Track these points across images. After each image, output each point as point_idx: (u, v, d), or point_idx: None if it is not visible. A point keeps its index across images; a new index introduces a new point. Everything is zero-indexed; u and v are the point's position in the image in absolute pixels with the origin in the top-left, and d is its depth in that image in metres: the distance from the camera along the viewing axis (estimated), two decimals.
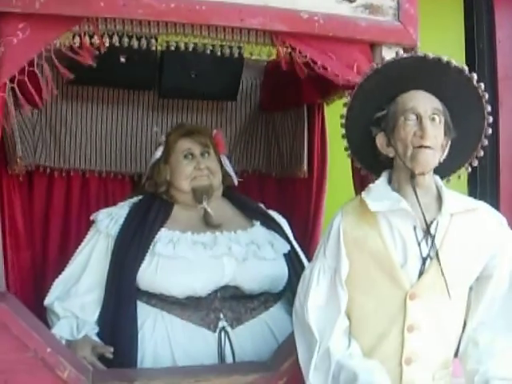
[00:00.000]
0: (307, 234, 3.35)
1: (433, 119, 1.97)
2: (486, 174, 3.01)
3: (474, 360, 2.03)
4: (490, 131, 2.13)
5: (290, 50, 2.41)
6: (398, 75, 2.01)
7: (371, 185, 2.10)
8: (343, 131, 2.18)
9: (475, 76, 2.04)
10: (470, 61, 3.07)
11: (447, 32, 3.77)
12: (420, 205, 1.97)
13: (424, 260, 1.96)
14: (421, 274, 1.96)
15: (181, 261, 2.61)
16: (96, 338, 2.55)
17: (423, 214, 1.97)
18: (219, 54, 2.55)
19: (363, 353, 2.00)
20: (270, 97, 3.58)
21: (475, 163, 2.19)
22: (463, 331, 2.08)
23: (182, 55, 3.07)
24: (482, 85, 2.06)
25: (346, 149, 2.23)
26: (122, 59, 3.05)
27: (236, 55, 2.63)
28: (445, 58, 2.00)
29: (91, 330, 2.57)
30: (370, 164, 2.21)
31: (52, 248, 3.38)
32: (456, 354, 2.09)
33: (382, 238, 1.98)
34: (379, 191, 2.05)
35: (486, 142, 2.14)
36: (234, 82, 3.45)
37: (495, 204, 2.87)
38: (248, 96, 3.64)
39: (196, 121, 3.56)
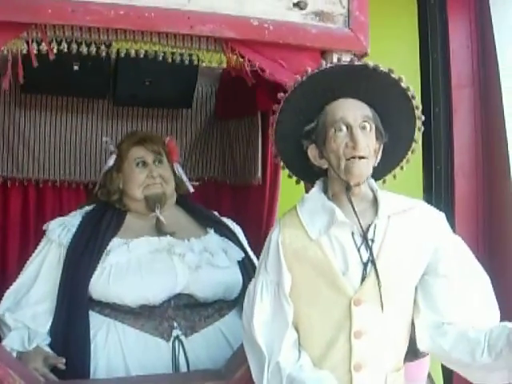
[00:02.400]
0: (260, 241, 3.32)
1: (363, 127, 1.96)
2: (441, 181, 3.03)
3: (452, 338, 1.97)
4: (422, 129, 2.12)
5: (239, 57, 2.41)
6: (325, 85, 1.99)
7: (306, 195, 2.09)
8: (273, 145, 2.14)
9: (403, 78, 2.02)
10: (424, 70, 3.09)
11: (401, 42, 3.80)
12: (356, 214, 1.96)
13: (365, 265, 1.96)
14: (363, 279, 1.96)
15: (133, 269, 2.59)
16: (48, 349, 2.51)
17: (359, 221, 1.96)
18: (170, 60, 2.54)
19: (313, 363, 1.99)
20: (225, 104, 3.59)
21: (409, 161, 2.18)
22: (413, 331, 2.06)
23: (136, 63, 3.07)
24: (411, 87, 2.04)
25: (275, 156, 2.18)
26: (76, 67, 3.05)
27: (187, 62, 2.64)
28: (371, 64, 1.99)
29: (43, 340, 2.53)
30: (306, 174, 2.17)
31: (11, 259, 3.34)
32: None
33: (321, 247, 1.97)
34: (313, 201, 2.04)
35: (420, 141, 2.15)
36: (189, 90, 3.46)
37: (450, 211, 2.90)
38: (203, 103, 3.65)
39: (151, 128, 3.55)
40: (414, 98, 2.06)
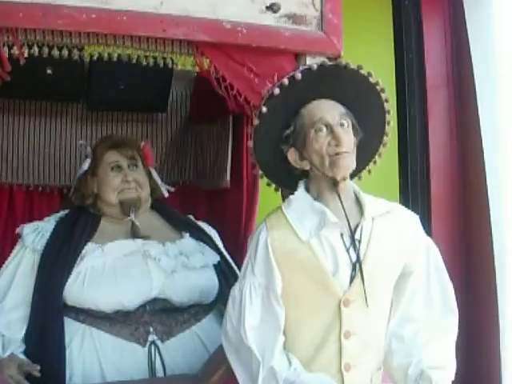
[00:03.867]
0: (239, 244, 3.32)
1: (341, 124, 1.98)
2: (417, 182, 3.04)
3: (401, 354, 2.04)
4: (391, 123, 2.16)
5: (208, 61, 2.42)
6: (298, 89, 2.00)
7: (291, 196, 2.08)
8: (251, 152, 2.14)
9: (372, 73, 2.05)
10: (399, 70, 3.10)
11: (376, 43, 3.81)
12: (345, 212, 1.98)
13: (354, 266, 1.97)
14: (351, 280, 1.97)
15: (108, 273, 2.57)
16: (23, 356, 2.47)
17: (348, 220, 1.98)
18: (144, 64, 2.53)
19: (302, 364, 1.98)
20: (199, 107, 3.58)
21: (381, 156, 2.21)
22: None
23: (110, 67, 3.03)
24: (380, 81, 2.07)
25: (253, 165, 2.20)
26: (49, 71, 3.03)
27: (161, 65, 2.63)
28: (341, 62, 2.03)
29: (17, 348, 2.49)
30: (285, 180, 2.18)
31: None
32: None
33: (311, 249, 1.97)
34: (300, 202, 2.04)
35: (386, 139, 2.18)
36: (164, 94, 3.45)
37: (426, 211, 2.92)
38: (178, 107, 3.64)
39: (126, 132, 3.53)
40: (383, 91, 2.10)
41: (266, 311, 1.99)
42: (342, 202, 1.99)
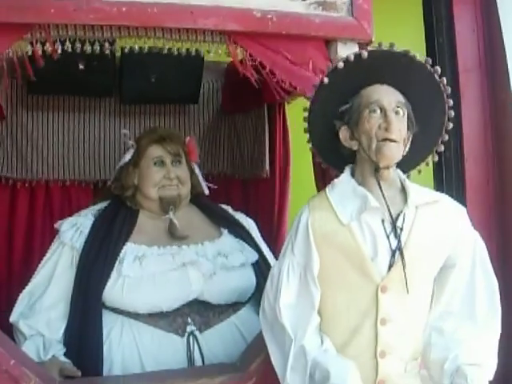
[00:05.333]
0: (272, 234, 3.33)
1: (397, 112, 1.98)
2: (452, 168, 3.02)
3: (440, 348, 2.02)
4: (450, 126, 2.14)
5: (242, 50, 2.41)
6: (363, 69, 2.01)
7: (335, 180, 2.10)
8: (305, 125, 2.17)
9: (438, 70, 2.05)
10: (430, 55, 3.07)
11: (407, 27, 3.78)
12: (385, 198, 1.98)
13: (393, 252, 1.97)
14: (390, 266, 1.96)
15: (147, 279, 2.56)
16: (63, 359, 2.48)
17: (388, 207, 1.98)
18: (175, 56, 2.53)
19: (336, 349, 1.99)
20: (231, 98, 3.57)
21: (435, 158, 2.20)
22: None
23: (142, 60, 3.08)
24: (444, 79, 2.07)
25: (308, 141, 2.22)
26: (81, 66, 3.04)
27: (194, 57, 2.63)
28: (410, 53, 2.01)
29: (58, 350, 2.51)
30: (332, 159, 2.20)
31: (16, 260, 3.33)
32: None
33: (351, 232, 1.98)
34: (344, 186, 2.05)
35: (446, 137, 2.16)
36: (195, 85, 3.45)
37: (461, 198, 2.88)
38: (210, 99, 3.64)
39: (159, 125, 3.53)
40: (446, 91, 2.09)
41: (302, 290, 2.01)
42: (381, 189, 1.99)
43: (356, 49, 2.48)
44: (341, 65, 2.03)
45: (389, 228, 1.98)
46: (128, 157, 2.86)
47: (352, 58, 2.02)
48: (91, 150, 3.48)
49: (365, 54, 2.01)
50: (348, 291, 1.99)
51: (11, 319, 2.59)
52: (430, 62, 2.04)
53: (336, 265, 1.99)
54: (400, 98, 2.01)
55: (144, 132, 3.05)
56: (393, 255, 1.97)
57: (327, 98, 2.08)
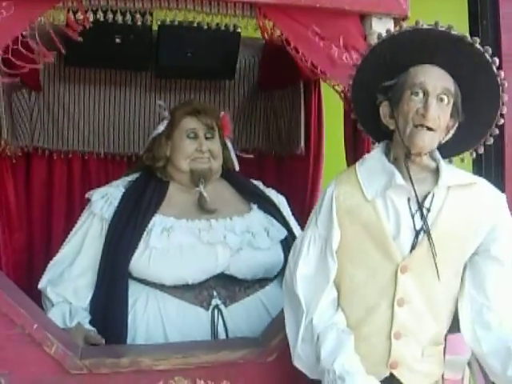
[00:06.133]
0: (304, 212, 3.30)
1: (441, 99, 1.92)
2: (491, 154, 2.95)
3: (492, 340, 1.95)
4: (501, 121, 2.06)
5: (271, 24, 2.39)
6: (415, 46, 1.96)
7: (366, 155, 2.09)
8: (349, 93, 2.17)
9: (497, 61, 1.97)
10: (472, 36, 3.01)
11: (448, 10, 3.71)
12: (412, 182, 1.94)
13: (417, 233, 1.94)
14: (413, 247, 1.94)
15: (173, 252, 2.57)
16: (89, 327, 2.52)
17: (414, 189, 1.94)
18: (212, 30, 2.54)
19: (351, 325, 1.98)
20: (268, 74, 3.54)
21: (481, 150, 2.13)
22: (457, 309, 2.03)
23: (179, 34, 3.09)
24: (502, 73, 1.99)
25: (351, 110, 2.22)
26: (118, 40, 3.06)
27: (231, 33, 2.63)
28: (468, 38, 1.94)
29: (84, 318, 2.55)
30: (373, 131, 2.18)
31: (56, 230, 3.38)
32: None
33: (375, 209, 1.96)
34: (374, 162, 2.03)
35: (496, 131, 2.08)
36: (231, 60, 3.42)
37: (500, 184, 2.82)
38: (246, 74, 3.62)
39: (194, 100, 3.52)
40: (502, 85, 2.00)
41: (320, 263, 2.00)
42: (409, 173, 1.95)
43: (391, 24, 2.44)
44: (395, 33, 2.00)
45: (414, 208, 1.95)
46: (161, 128, 2.87)
47: (406, 30, 1.99)
48: (126, 124, 3.50)
49: (420, 28, 1.96)
50: (367, 268, 1.97)
51: (39, 286, 2.64)
52: (490, 51, 1.96)
53: (357, 241, 1.97)
54: (449, 84, 1.94)
55: (179, 104, 3.06)
56: (416, 236, 1.94)
57: (374, 70, 2.05)
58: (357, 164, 2.06)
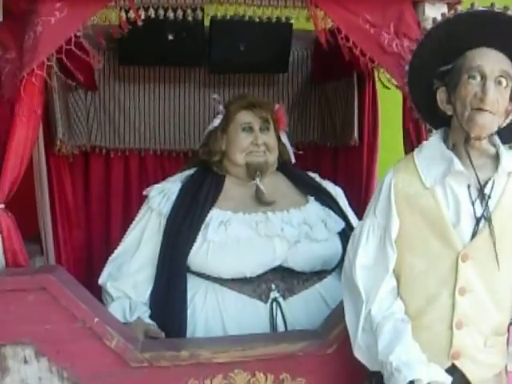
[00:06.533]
0: (360, 203, 3.28)
1: (499, 82, 1.88)
2: None
3: None
4: None
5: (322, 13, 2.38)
6: (472, 29, 1.92)
7: (424, 142, 2.07)
8: (406, 79, 2.16)
9: None
10: None
11: None
12: (473, 166, 1.91)
13: (478, 220, 1.91)
14: (474, 234, 1.91)
15: (231, 245, 2.58)
16: (148, 320, 2.56)
17: (476, 174, 1.91)
18: (265, 23, 2.53)
19: (411, 315, 1.96)
20: (322, 67, 3.53)
21: None
22: None
23: (231, 29, 3.11)
24: None
25: (409, 95, 2.20)
26: (170, 37, 3.09)
27: (283, 25, 2.62)
28: None
29: (143, 312, 2.59)
30: (429, 116, 2.16)
31: (114, 227, 3.45)
32: None
33: (434, 196, 1.94)
34: (432, 149, 2.01)
35: None
36: (284, 54, 3.42)
37: None
38: (299, 67, 3.61)
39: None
40: None
41: (379, 252, 1.99)
42: (470, 158, 1.92)
43: (445, 9, 2.40)
44: (449, 18, 1.97)
45: (474, 194, 1.92)
46: (217, 122, 2.89)
47: (462, 13, 1.95)
48: (181, 120, 3.53)
49: (476, 10, 1.93)
50: (427, 257, 1.95)
51: (100, 281, 2.69)
52: None
53: (417, 229, 1.95)
54: (506, 67, 1.90)
55: (234, 98, 3.06)
56: (477, 223, 1.91)
57: (430, 55, 2.03)
58: (415, 152, 2.04)
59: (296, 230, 2.64)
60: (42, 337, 2.17)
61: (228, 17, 2.99)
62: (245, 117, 2.81)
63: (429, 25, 2.15)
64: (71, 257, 3.17)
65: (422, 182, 1.96)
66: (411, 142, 2.49)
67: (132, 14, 2.30)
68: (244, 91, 3.54)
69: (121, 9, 2.30)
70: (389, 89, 2.55)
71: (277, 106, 2.97)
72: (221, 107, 2.92)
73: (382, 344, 1.91)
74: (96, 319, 2.17)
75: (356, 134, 3.38)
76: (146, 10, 2.33)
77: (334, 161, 3.64)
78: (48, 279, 2.15)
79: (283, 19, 2.99)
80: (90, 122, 3.41)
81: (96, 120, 3.43)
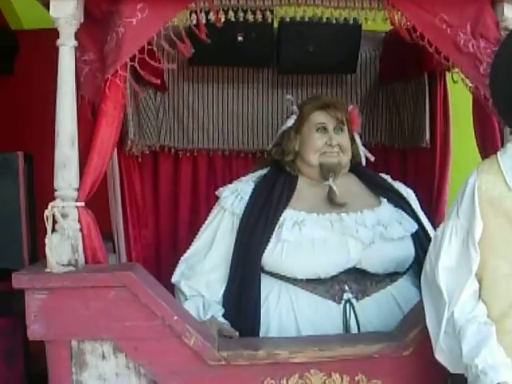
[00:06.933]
0: (431, 205, 3.25)
1: None
2: None
3: None
4: None
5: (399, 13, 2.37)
6: None
7: (508, 144, 2.04)
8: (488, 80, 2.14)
9: None
10: None
11: None
12: None
13: None
14: None
15: (306, 245, 2.59)
16: (222, 320, 2.58)
17: None
18: (333, 24, 2.55)
19: (494, 318, 1.94)
20: (390, 67, 3.51)
21: None
22: None
23: (300, 30, 3.10)
24: None
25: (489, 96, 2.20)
26: (240, 38, 3.10)
27: (351, 26, 2.63)
28: None
29: (217, 311, 2.61)
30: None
31: (182, 226, 3.48)
32: None
33: None
34: None
35: None
36: (353, 55, 3.41)
37: None
38: (367, 68, 3.59)
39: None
40: None
41: (462, 254, 1.96)
42: None
43: None
44: None
45: None
46: (290, 122, 2.89)
47: None
48: (249, 121, 3.55)
49: None
50: (511, 260, 1.92)
51: (173, 279, 2.72)
52: None
53: (501, 231, 1.93)
54: None
55: (308, 98, 3.07)
56: None
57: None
58: (498, 153, 2.02)
59: (370, 231, 2.64)
60: (121, 333, 2.20)
61: (297, 18, 3.00)
62: (319, 117, 2.81)
63: (509, 25, 2.13)
64: (141, 255, 3.20)
65: (506, 184, 1.94)
66: (483, 144, 2.48)
67: (212, 16, 2.33)
68: (312, 91, 3.54)
69: (201, 10, 2.32)
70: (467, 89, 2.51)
71: (351, 106, 2.96)
72: (295, 107, 2.92)
73: (466, 347, 1.89)
74: (175, 317, 2.19)
75: (427, 136, 3.35)
76: (226, 12, 2.35)
77: (403, 163, 3.62)
78: (129, 277, 2.18)
79: (351, 20, 2.97)
80: (159, 122, 3.45)
81: (165, 120, 3.46)
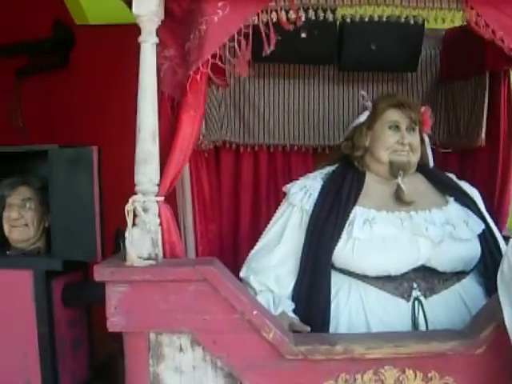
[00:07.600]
0: (493, 204, 3.24)
1: None
2: None
3: None
4: None
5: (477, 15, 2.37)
6: None
7: None
8: None
9: None
10: None
11: None
12: None
13: None
14: None
15: (377, 242, 2.62)
16: (292, 315, 2.60)
17: None
18: (396, 23, 2.55)
19: None
20: (450, 66, 3.51)
21: None
22: None
23: (362, 28, 3.12)
24: None
25: None
26: (303, 34, 3.12)
27: (413, 25, 2.68)
28: None
29: (288, 306, 2.64)
30: None
31: (243, 221, 3.52)
32: None
33: None
34: None
35: None
36: (414, 53, 3.41)
37: None
38: (427, 66, 3.59)
39: (376, 93, 3.52)
40: None
41: None
42: None
43: None
44: None
45: None
46: (363, 118, 2.93)
47: None
48: (310, 117, 3.56)
49: None
50: None
51: (241, 274, 2.76)
52: None
53: None
54: None
55: (382, 96, 3.09)
56: None
57: None
58: None
59: (440, 229, 2.65)
60: (200, 327, 2.23)
61: (359, 17, 3.02)
62: (393, 115, 2.84)
63: None
64: (206, 249, 3.23)
65: None
66: None
67: (292, 15, 2.35)
68: (373, 89, 3.55)
69: (281, 9, 2.34)
70: None
71: (423, 108, 2.98)
72: (369, 103, 2.95)
73: None
74: (255, 311, 2.22)
75: (483, 135, 3.34)
76: (306, 10, 2.37)
77: (462, 162, 3.60)
78: (210, 271, 2.21)
79: (412, 19, 2.97)
80: (221, 117, 3.47)
81: (226, 115, 3.49)
